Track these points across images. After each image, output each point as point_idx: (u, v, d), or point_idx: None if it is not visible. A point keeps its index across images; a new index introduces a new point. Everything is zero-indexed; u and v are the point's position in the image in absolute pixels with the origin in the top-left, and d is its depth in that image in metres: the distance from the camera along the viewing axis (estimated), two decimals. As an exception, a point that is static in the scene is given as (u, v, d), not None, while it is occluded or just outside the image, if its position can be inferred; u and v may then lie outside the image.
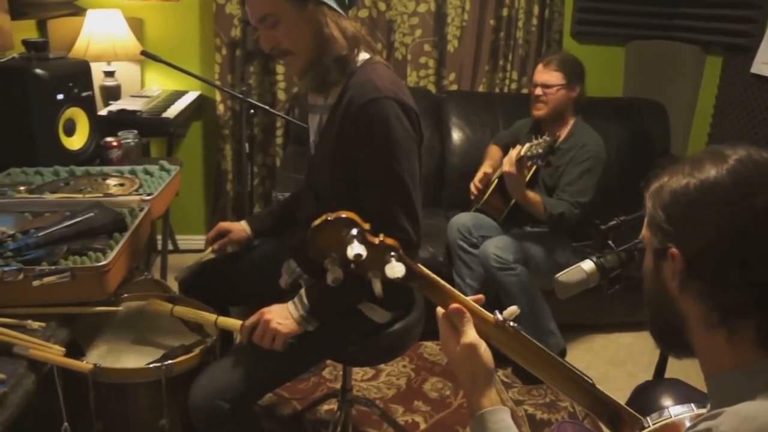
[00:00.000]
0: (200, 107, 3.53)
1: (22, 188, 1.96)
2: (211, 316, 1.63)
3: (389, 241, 0.92)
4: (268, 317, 1.54)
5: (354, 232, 0.90)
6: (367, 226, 0.93)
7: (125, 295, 1.81)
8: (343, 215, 0.92)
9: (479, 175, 2.91)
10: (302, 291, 1.58)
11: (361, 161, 1.55)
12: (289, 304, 1.58)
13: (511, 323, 1.00)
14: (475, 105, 3.57)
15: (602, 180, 2.71)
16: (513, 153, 2.40)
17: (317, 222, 0.92)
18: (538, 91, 2.71)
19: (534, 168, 2.56)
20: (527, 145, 2.39)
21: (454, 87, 3.76)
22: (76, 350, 1.57)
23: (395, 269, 0.90)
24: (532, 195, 2.49)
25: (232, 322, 1.61)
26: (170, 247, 3.62)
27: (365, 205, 1.56)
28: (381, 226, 1.55)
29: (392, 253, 0.91)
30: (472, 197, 2.90)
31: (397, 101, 1.53)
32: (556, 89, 2.67)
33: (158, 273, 3.26)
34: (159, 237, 3.44)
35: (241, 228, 1.94)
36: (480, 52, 3.75)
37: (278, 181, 2.95)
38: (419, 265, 0.96)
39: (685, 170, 0.90)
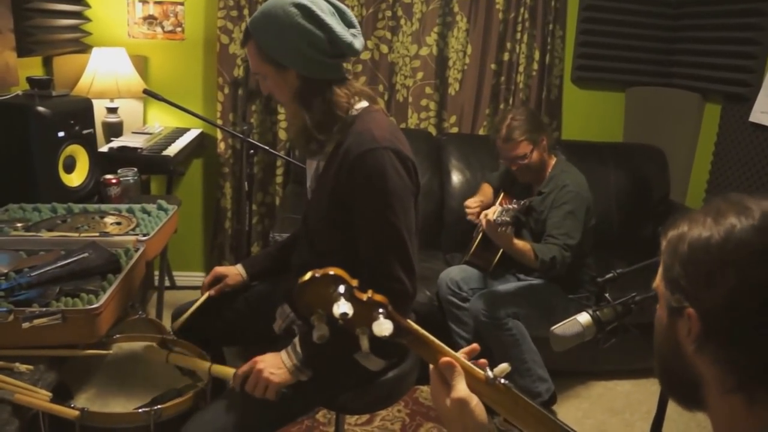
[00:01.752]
0: (201, 144, 3.55)
1: (19, 225, 1.96)
2: (205, 364, 1.61)
3: (378, 297, 0.92)
4: (261, 366, 1.52)
5: (341, 289, 0.89)
6: (354, 282, 0.92)
7: (117, 336, 1.79)
8: (331, 272, 0.91)
9: (468, 201, 2.89)
10: (296, 340, 1.57)
11: (357, 211, 1.55)
12: (283, 353, 1.56)
13: (502, 380, 0.99)
14: (476, 147, 3.59)
15: (599, 223, 2.70)
16: (490, 213, 2.37)
17: (304, 278, 0.91)
18: (514, 167, 2.68)
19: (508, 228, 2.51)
20: (499, 210, 2.37)
21: (455, 129, 3.79)
22: (64, 393, 1.55)
23: (383, 327, 0.89)
24: (521, 244, 2.47)
25: (226, 371, 1.59)
26: (167, 283, 3.60)
27: (360, 254, 1.56)
28: (376, 276, 1.55)
29: (380, 310, 0.90)
30: (469, 217, 2.87)
31: (394, 151, 1.53)
32: (530, 156, 2.63)
33: (154, 310, 3.24)
34: (156, 273, 3.43)
35: (236, 272, 1.94)
36: (481, 96, 3.78)
37: (277, 221, 2.95)
38: (409, 321, 0.95)
39: (707, 222, 0.83)
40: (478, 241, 2.72)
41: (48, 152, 2.23)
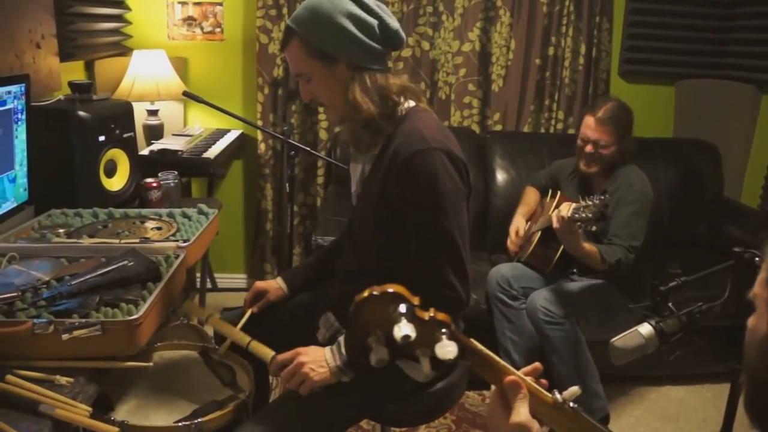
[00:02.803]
0: (241, 146, 3.53)
1: (61, 231, 1.95)
2: (245, 338, 1.60)
3: (441, 316, 0.84)
4: (303, 359, 1.48)
5: (402, 308, 0.82)
6: (416, 300, 0.84)
7: (158, 344, 1.76)
8: (390, 289, 0.83)
9: (513, 228, 2.80)
10: (341, 339, 1.52)
11: (406, 216, 1.48)
12: (327, 351, 1.51)
13: (571, 404, 0.91)
14: (520, 145, 3.49)
15: (651, 222, 2.58)
16: (564, 210, 2.27)
17: (362, 296, 0.84)
18: (590, 148, 2.55)
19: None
20: (574, 206, 2.25)
21: (499, 127, 3.69)
22: (105, 404, 1.52)
23: (447, 350, 0.81)
24: (588, 247, 2.37)
25: (265, 351, 1.56)
26: (208, 285, 3.60)
27: (411, 260, 1.49)
28: (427, 283, 1.48)
29: (444, 330, 0.82)
30: (510, 253, 2.80)
31: (445, 152, 1.46)
32: (611, 148, 2.53)
33: (196, 312, 3.23)
34: (198, 275, 3.41)
35: (277, 286, 1.89)
36: (525, 92, 3.68)
37: (318, 224, 2.90)
38: (473, 340, 0.88)
39: None
40: (537, 240, 2.63)
41: (89, 157, 2.21)
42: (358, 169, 1.65)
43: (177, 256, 1.73)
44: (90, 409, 1.26)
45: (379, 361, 0.85)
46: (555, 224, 2.30)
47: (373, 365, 0.88)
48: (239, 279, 3.85)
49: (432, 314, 0.83)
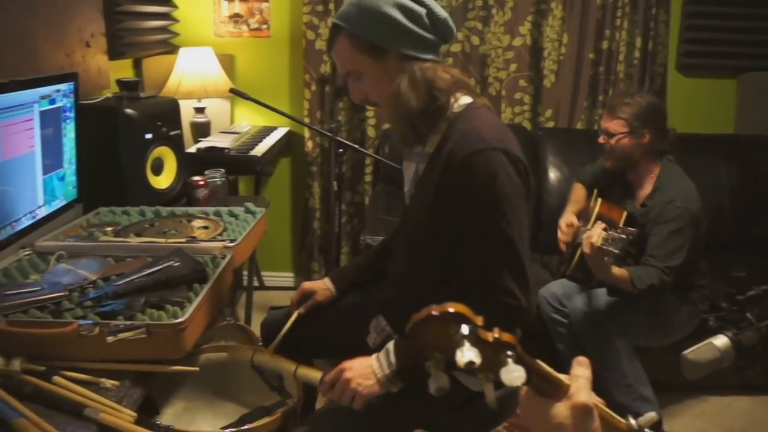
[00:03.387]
0: (289, 143, 3.49)
1: (108, 229, 1.94)
2: (291, 366, 1.53)
3: (506, 337, 0.75)
4: (349, 375, 1.41)
5: (465, 330, 0.73)
6: (479, 320, 0.76)
7: (205, 345, 1.72)
8: (451, 309, 0.75)
9: (564, 221, 2.66)
10: (390, 347, 1.44)
11: (464, 219, 1.41)
12: (374, 361, 1.44)
13: (647, 431, 0.82)
14: (573, 143, 3.38)
15: (711, 227, 2.44)
16: (594, 236, 2.13)
17: (420, 316, 0.75)
18: (602, 139, 2.46)
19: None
20: (603, 236, 2.13)
21: (551, 124, 3.58)
22: (151, 408, 1.49)
23: (514, 375, 0.72)
24: (618, 271, 2.22)
25: (313, 375, 1.50)
26: (256, 283, 3.57)
27: (468, 265, 1.42)
28: (485, 290, 1.41)
29: (509, 353, 0.74)
30: (562, 249, 2.67)
31: (505, 152, 1.38)
32: (618, 138, 2.40)
33: (243, 311, 3.21)
34: (245, 273, 3.39)
35: (324, 287, 1.84)
36: (578, 87, 3.55)
37: (367, 223, 2.84)
38: (539, 361, 0.80)
39: None
40: (579, 254, 2.49)
41: (136, 154, 2.20)
42: (412, 168, 1.58)
43: (224, 257, 1.69)
44: (135, 414, 1.22)
45: (439, 389, 0.75)
46: (585, 249, 2.17)
47: (432, 393, 0.79)
48: (286, 278, 3.82)
49: (497, 335, 0.74)
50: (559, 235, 2.62)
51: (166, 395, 1.56)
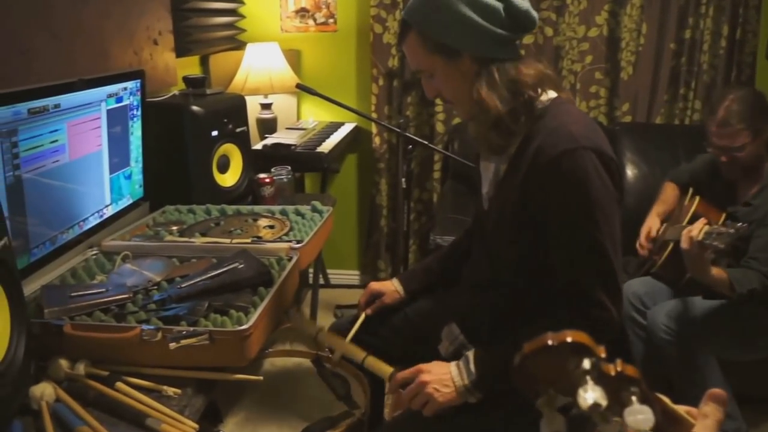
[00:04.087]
0: (356, 139, 3.43)
1: (174, 228, 1.91)
2: (360, 354, 1.46)
3: (629, 370, 0.62)
4: (426, 378, 1.32)
5: (586, 364, 0.61)
6: (602, 351, 0.63)
7: (269, 350, 1.67)
8: (570, 339, 0.62)
9: (645, 228, 2.49)
10: (470, 355, 1.35)
11: (551, 225, 1.30)
12: (453, 368, 1.35)
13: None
14: (653, 138, 3.19)
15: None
16: (695, 230, 1.95)
17: (533, 346, 0.63)
18: (724, 158, 2.22)
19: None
20: (707, 229, 1.94)
21: (628, 118, 3.40)
22: (214, 415, 1.44)
23: (640, 419, 0.59)
24: (717, 273, 2.02)
25: (383, 367, 1.42)
26: (321, 281, 3.53)
27: (555, 274, 1.32)
28: (573, 301, 1.30)
29: (633, 389, 0.62)
30: (639, 257, 2.51)
31: (597, 152, 1.27)
32: (746, 149, 2.17)
33: (309, 309, 3.17)
34: (311, 271, 3.35)
35: (393, 289, 1.75)
36: (658, 80, 3.36)
37: (437, 223, 2.74)
38: (660, 395, 0.68)
39: None
40: (670, 250, 2.34)
41: (202, 152, 2.17)
42: (491, 168, 1.47)
43: (290, 259, 1.63)
44: (196, 426, 1.17)
45: None
46: (683, 244, 1.99)
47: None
48: (352, 276, 3.77)
49: (619, 368, 0.62)
50: (638, 246, 2.46)
51: (228, 402, 1.51)
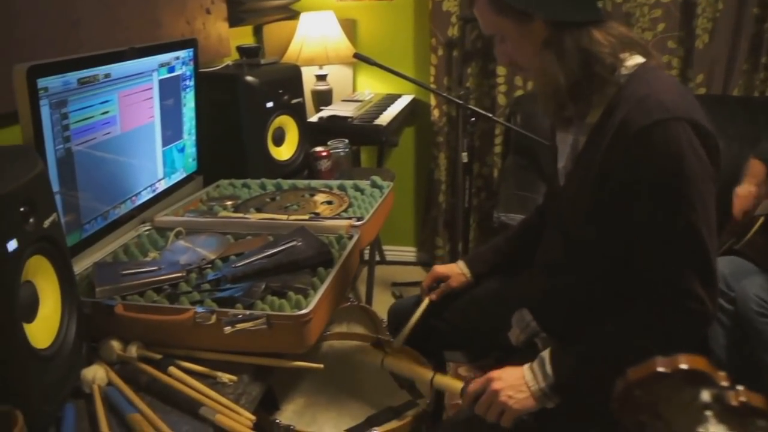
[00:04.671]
0: (413, 112, 3.31)
1: (228, 203, 1.84)
2: (427, 374, 1.35)
3: (756, 400, 0.51)
4: (497, 386, 1.21)
5: (706, 396, 0.50)
6: (723, 379, 0.52)
7: (327, 332, 1.59)
8: (685, 365, 0.51)
9: (741, 189, 2.30)
10: (545, 355, 1.23)
11: (637, 204, 1.16)
12: (526, 371, 1.23)
13: None
14: (731, 112, 2.98)
15: None
16: None
17: (639, 373, 0.52)
18: None
19: None
20: None
21: (703, 90, 3.18)
22: (271, 402, 1.37)
23: None
24: None
25: (453, 384, 1.31)
26: (377, 258, 3.45)
27: (641, 262, 1.19)
28: (664, 292, 1.15)
29: (761, 424, 0.51)
30: (735, 220, 2.33)
31: (692, 124, 1.12)
32: None
33: (364, 286, 3.09)
34: (366, 247, 3.27)
35: (459, 272, 1.64)
36: (737, 48, 3.12)
37: (500, 199, 2.61)
38: None
39: None
40: (758, 226, 2.17)
41: (257, 124, 2.08)
42: (568, 141, 1.33)
43: (350, 237, 1.53)
44: (253, 417, 1.09)
45: None
46: None
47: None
48: (409, 252, 3.67)
49: (743, 398, 0.51)
50: (736, 202, 2.27)
51: (286, 389, 1.43)
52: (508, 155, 3.17)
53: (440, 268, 1.66)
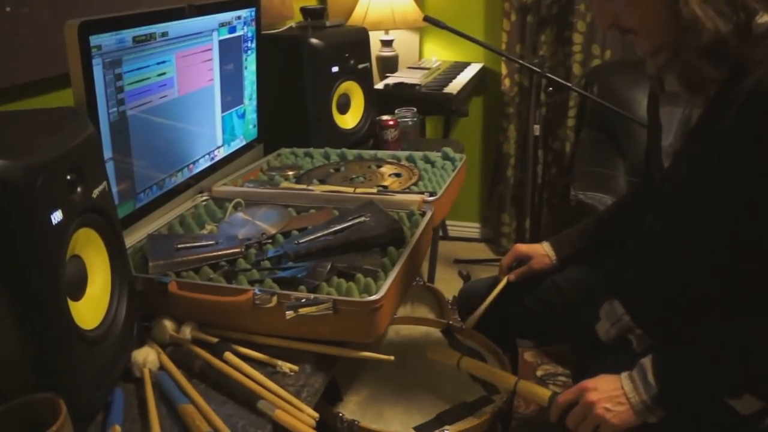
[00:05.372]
0: (482, 81, 3.13)
1: (290, 173, 1.73)
2: (510, 378, 1.21)
3: None
4: (593, 398, 1.07)
5: None
6: None
7: (394, 316, 1.47)
8: None
9: None
10: (646, 363, 1.07)
11: None
12: (625, 380, 1.08)
13: None
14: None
15: None
16: None
17: None
18: None
19: None
20: None
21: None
22: (333, 392, 1.26)
23: None
24: None
25: (539, 392, 1.17)
26: (440, 233, 3.32)
27: None
28: None
29: None
30: None
31: None
32: None
33: (427, 263, 2.97)
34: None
35: (543, 253, 1.49)
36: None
37: (576, 177, 2.43)
38: None
39: None
40: None
41: (321, 89, 1.96)
42: (676, 114, 1.14)
43: (422, 213, 1.40)
44: (316, 415, 0.98)
45: None
46: None
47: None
48: (472, 228, 3.52)
49: None
50: None
51: (349, 378, 1.32)
52: (582, 129, 2.97)
53: (523, 247, 1.51)
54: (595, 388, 1.08)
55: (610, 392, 1.07)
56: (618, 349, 1.24)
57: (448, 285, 1.65)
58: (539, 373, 2.40)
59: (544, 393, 1.15)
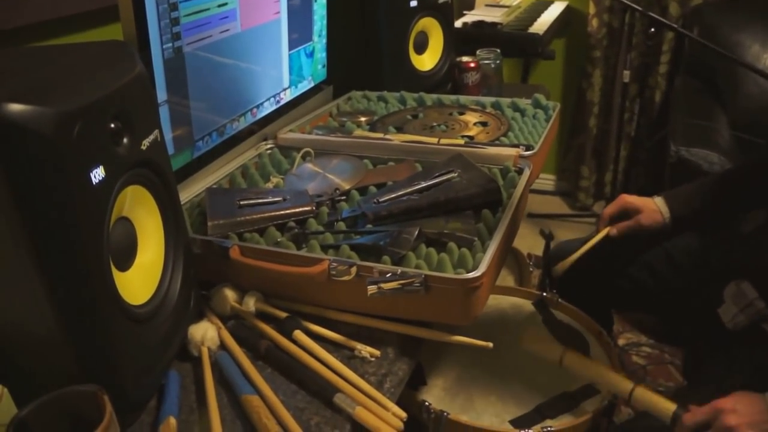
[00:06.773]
0: (566, 22, 2.86)
1: (362, 119, 1.55)
2: (626, 384, 1.03)
3: None
4: (732, 422, 0.89)
5: None
6: None
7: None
8: None
9: None
10: None
11: None
12: None
13: None
14: None
15: None
16: None
17: None
18: None
19: None
20: None
21: None
22: (417, 377, 1.10)
23: None
24: None
25: (662, 405, 0.98)
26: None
27: None
28: None
29: None
30: None
31: None
32: None
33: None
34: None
35: (654, 208, 1.27)
36: None
37: (677, 130, 2.16)
38: None
39: None
40: None
41: (397, 26, 1.75)
42: None
43: (519, 170, 1.21)
44: (404, 415, 0.82)
45: None
46: None
47: None
48: (547, 180, 3.30)
49: None
50: None
51: (431, 358, 1.16)
52: (677, 76, 2.69)
53: (630, 198, 1.30)
54: (734, 410, 0.89)
55: (753, 416, 0.88)
56: (748, 340, 1.05)
57: (522, 241, 1.45)
58: (621, 341, 2.21)
59: (667, 407, 0.96)
